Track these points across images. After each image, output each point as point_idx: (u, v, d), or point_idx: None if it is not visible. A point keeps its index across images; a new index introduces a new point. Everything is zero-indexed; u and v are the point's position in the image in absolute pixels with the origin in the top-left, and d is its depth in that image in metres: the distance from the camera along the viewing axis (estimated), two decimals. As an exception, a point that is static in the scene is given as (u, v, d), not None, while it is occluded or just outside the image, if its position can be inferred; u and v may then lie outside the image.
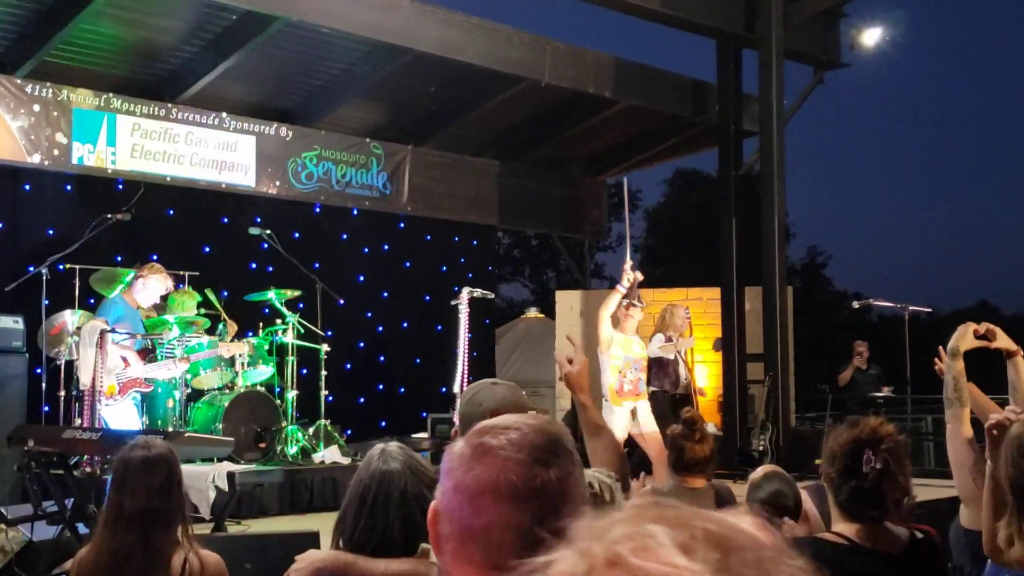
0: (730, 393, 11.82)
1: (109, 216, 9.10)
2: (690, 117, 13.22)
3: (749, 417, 11.72)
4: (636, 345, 9.00)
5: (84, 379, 8.05)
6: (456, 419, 3.03)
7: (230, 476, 7.46)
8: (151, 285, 8.35)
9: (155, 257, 10.59)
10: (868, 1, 12.41)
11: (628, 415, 8.75)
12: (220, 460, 7.83)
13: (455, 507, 1.37)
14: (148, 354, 8.27)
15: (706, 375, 12.58)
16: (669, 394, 9.94)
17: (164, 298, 8.94)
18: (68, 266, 9.00)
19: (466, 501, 1.36)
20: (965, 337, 3.53)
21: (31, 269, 8.45)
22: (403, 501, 2.49)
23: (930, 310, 15.55)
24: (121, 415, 7.96)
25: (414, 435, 10.96)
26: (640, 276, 8.95)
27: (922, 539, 2.92)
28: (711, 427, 11.73)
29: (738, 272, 12.00)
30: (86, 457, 7.06)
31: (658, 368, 9.92)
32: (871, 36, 12.02)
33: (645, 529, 0.83)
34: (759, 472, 3.70)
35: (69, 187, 10.54)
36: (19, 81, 9.44)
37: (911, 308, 10.13)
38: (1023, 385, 3.70)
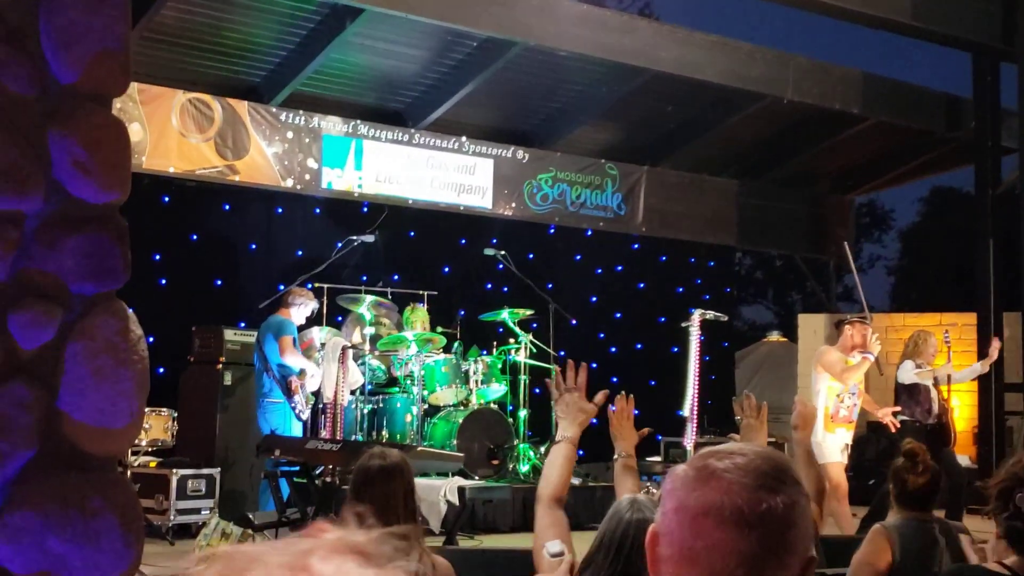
0: (986, 424, 11.17)
1: (355, 238, 9.53)
2: (943, 133, 12.55)
3: (1007, 450, 10.96)
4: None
5: (327, 392, 8.44)
6: None
7: (460, 491, 7.61)
8: (310, 306, 8.67)
9: (396, 277, 10.99)
10: None
11: (841, 444, 8.34)
12: (453, 475, 8.00)
13: (675, 528, 1.35)
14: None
15: (960, 405, 11.85)
16: (921, 424, 9.32)
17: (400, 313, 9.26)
18: (316, 285, 9.43)
19: (687, 522, 1.34)
20: None
21: (281, 288, 8.88)
22: None
23: None
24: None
25: (647, 458, 10.81)
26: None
27: None
28: (965, 460, 11.03)
29: (996, 297, 11.29)
30: (327, 467, 7.36)
31: (908, 396, 9.33)
32: None
33: None
34: None
35: (318, 210, 11.09)
36: (274, 110, 9.98)
37: None
38: None
